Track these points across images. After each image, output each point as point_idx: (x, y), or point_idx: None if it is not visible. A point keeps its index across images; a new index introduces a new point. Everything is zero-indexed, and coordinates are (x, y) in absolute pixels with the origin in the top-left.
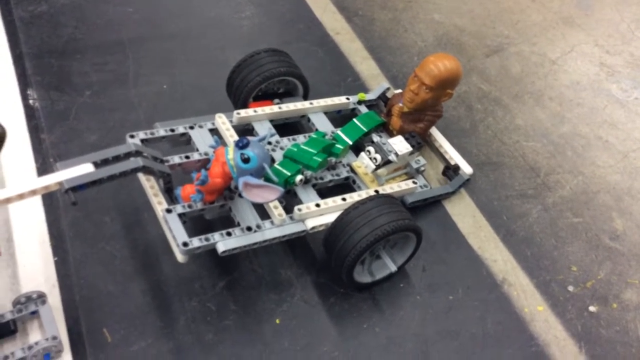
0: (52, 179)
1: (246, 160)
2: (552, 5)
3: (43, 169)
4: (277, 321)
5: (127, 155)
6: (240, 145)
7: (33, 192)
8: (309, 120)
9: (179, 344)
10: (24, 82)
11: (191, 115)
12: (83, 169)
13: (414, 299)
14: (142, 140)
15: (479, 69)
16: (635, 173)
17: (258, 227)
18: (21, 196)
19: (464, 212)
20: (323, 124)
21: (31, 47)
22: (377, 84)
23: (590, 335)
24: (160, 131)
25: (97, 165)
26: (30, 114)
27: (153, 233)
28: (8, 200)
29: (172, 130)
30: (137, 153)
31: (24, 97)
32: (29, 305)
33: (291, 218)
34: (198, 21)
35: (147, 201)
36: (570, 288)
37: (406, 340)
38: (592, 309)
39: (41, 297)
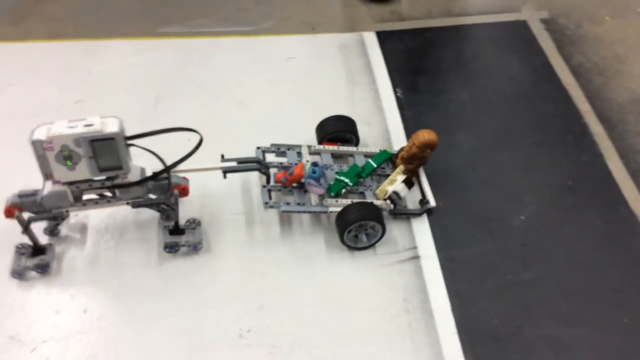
0: None
1: (314, 172)
2: None
3: None
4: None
5: (256, 161)
6: (314, 165)
7: None
8: (353, 156)
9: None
10: None
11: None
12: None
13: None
14: (263, 151)
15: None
16: None
17: (303, 204)
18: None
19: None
20: (360, 159)
21: None
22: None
23: None
24: (273, 148)
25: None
26: None
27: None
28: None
29: (279, 149)
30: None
31: None
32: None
33: (322, 205)
34: None
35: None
36: None
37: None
38: None
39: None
